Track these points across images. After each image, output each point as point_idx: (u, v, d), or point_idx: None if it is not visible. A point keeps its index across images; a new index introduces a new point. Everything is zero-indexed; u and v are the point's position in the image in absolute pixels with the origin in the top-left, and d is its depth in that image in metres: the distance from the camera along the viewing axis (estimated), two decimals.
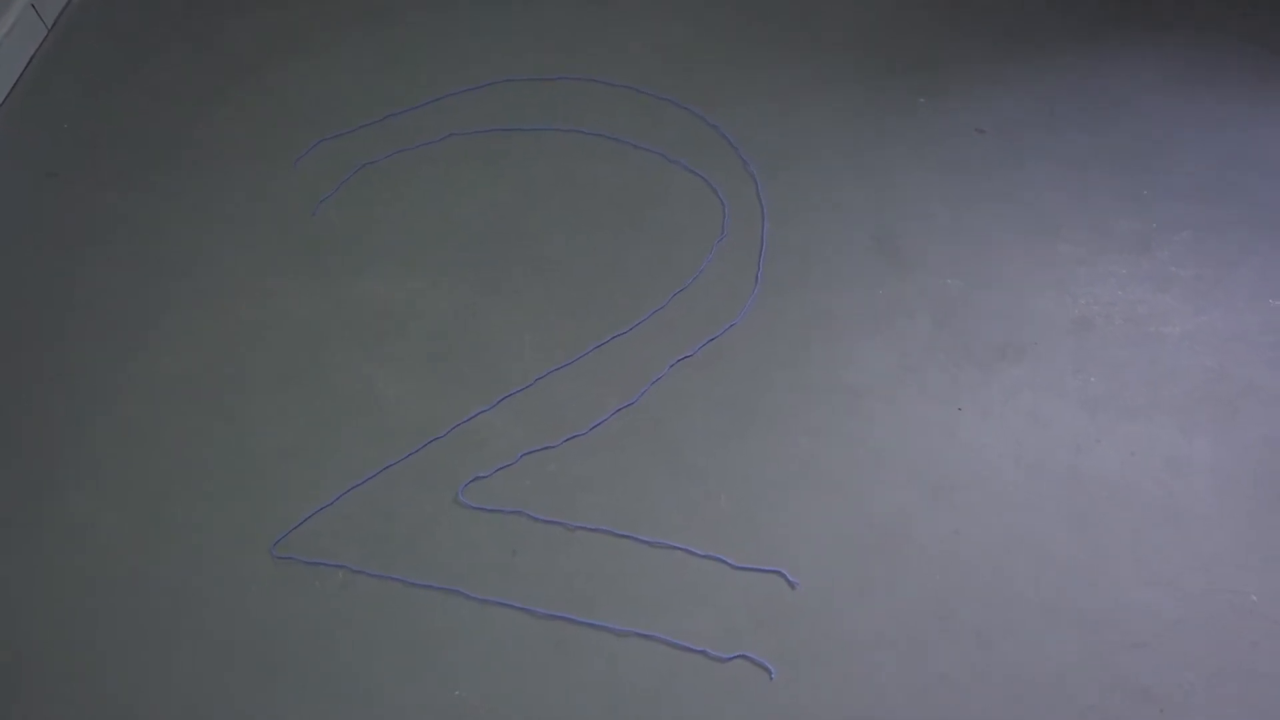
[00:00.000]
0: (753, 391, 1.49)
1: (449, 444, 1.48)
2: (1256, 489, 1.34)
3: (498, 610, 1.33)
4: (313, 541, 1.41)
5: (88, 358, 1.61)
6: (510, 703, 1.26)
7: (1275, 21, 1.87)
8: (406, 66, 1.97)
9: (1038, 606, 1.28)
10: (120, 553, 1.42)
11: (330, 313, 1.63)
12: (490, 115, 1.86)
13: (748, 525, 1.37)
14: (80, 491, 1.48)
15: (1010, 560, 1.32)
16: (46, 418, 1.56)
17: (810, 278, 1.60)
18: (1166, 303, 1.53)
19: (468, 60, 1.96)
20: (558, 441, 1.46)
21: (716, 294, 1.59)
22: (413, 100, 1.90)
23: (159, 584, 1.39)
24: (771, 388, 1.49)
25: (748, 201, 1.69)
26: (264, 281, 1.68)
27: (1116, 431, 1.40)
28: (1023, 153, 1.73)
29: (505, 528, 1.40)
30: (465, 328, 1.60)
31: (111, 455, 1.51)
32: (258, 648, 1.33)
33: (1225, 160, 1.69)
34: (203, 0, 2.16)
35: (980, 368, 1.48)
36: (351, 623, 1.34)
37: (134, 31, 2.11)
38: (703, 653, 1.27)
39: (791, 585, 1.31)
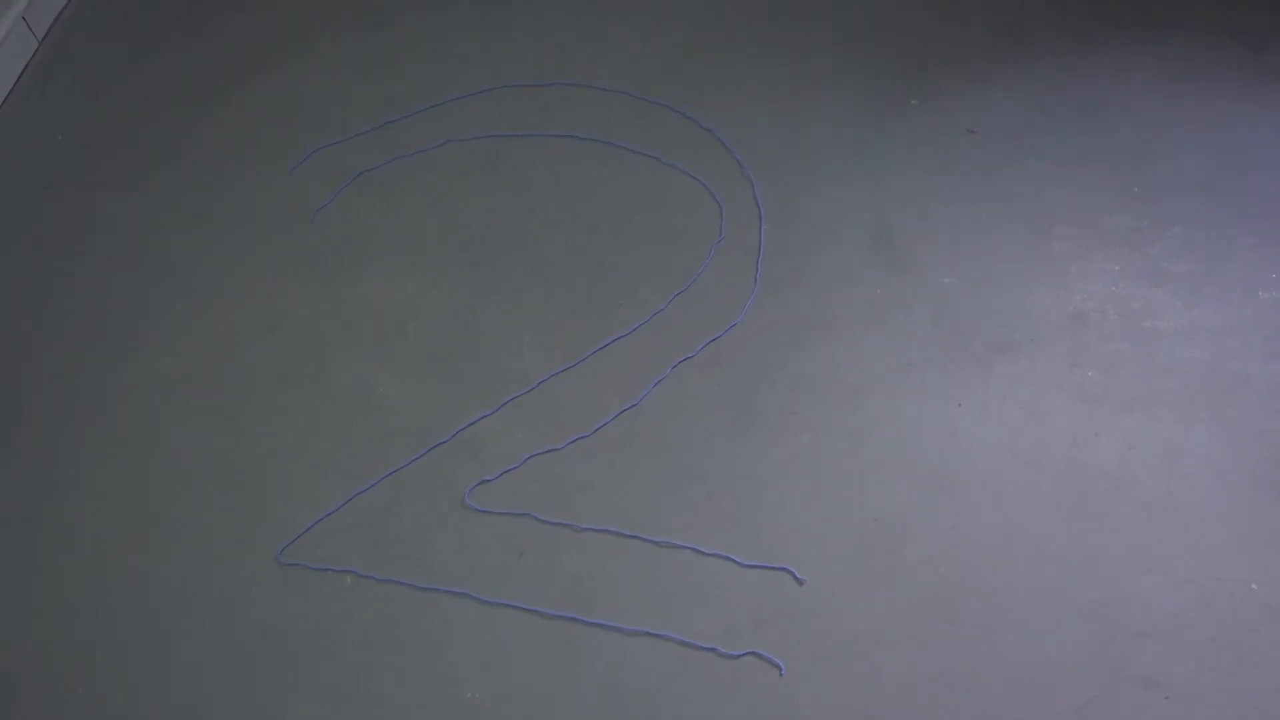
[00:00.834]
0: (754, 391, 1.50)
1: (452, 447, 1.48)
2: (1254, 479, 1.36)
3: (506, 612, 1.34)
4: (318, 546, 1.41)
5: (87, 361, 1.62)
6: (520, 703, 1.27)
7: (1260, 21, 1.89)
8: (403, 71, 1.98)
9: (1040, 598, 1.29)
10: (122, 556, 1.42)
11: (330, 316, 1.64)
12: (487, 121, 1.87)
13: (752, 523, 1.38)
14: (81, 494, 1.48)
15: (1011, 553, 1.33)
16: (47, 420, 1.56)
17: (808, 277, 1.61)
18: (1160, 298, 1.55)
19: (463, 65, 1.97)
20: (562, 444, 1.47)
21: (716, 295, 1.61)
22: (409, 106, 1.90)
23: (162, 588, 1.39)
24: (772, 387, 1.50)
25: (745, 203, 1.71)
26: (263, 285, 1.69)
27: (1114, 425, 1.42)
28: (1015, 152, 1.74)
29: (511, 530, 1.40)
30: (466, 331, 1.60)
31: (112, 458, 1.52)
32: (264, 652, 1.33)
33: (1215, 157, 1.71)
34: (195, 6, 2.16)
35: (978, 364, 1.50)
36: (360, 627, 1.34)
37: (126, 39, 2.11)
38: (712, 650, 1.28)
39: (799, 582, 1.33)
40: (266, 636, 1.34)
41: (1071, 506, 1.36)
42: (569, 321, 1.60)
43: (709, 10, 2.02)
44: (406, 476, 1.46)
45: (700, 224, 1.69)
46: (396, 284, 1.67)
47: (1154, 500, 1.36)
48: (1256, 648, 1.24)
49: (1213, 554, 1.31)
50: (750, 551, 1.36)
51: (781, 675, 1.26)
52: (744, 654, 1.28)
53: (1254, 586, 1.28)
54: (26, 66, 2.03)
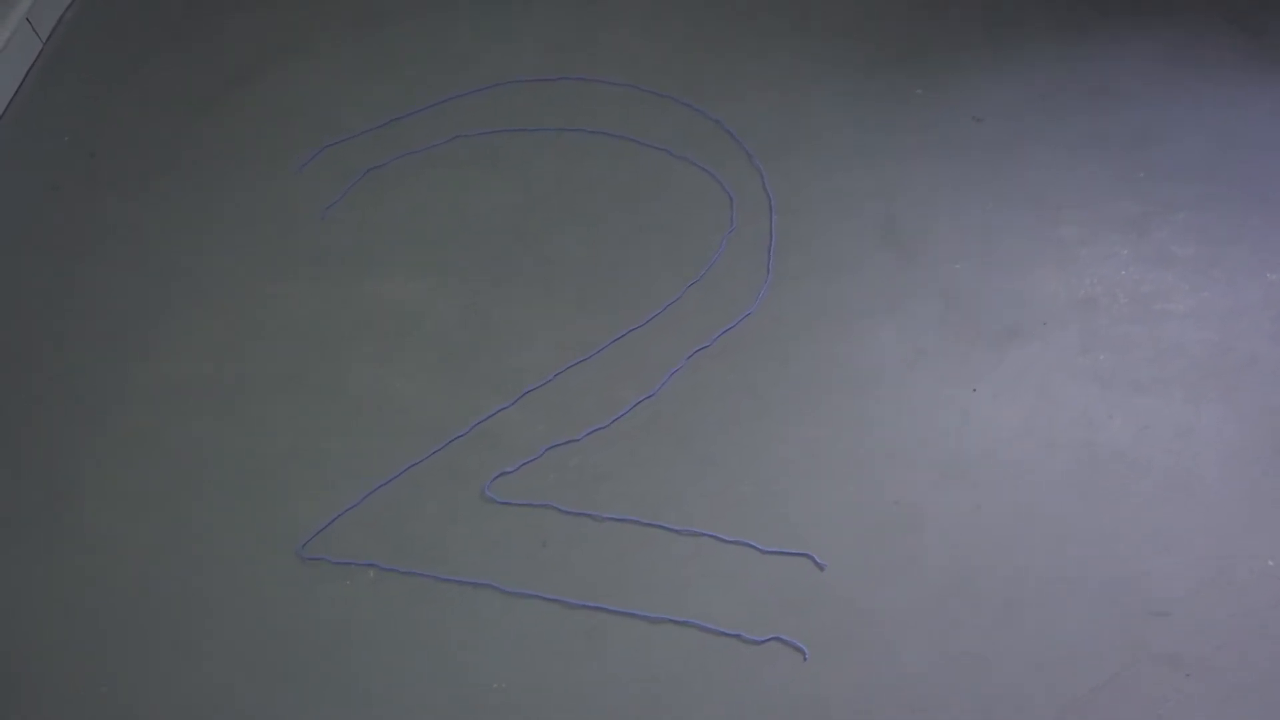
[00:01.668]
0: (770, 379, 1.51)
1: (470, 441, 1.49)
2: (1267, 457, 1.38)
3: (530, 602, 1.34)
4: (340, 542, 1.41)
5: (97, 364, 1.62)
6: (546, 692, 1.28)
7: (1257, 3, 1.91)
8: (405, 70, 1.98)
9: (1059, 578, 1.31)
10: (140, 559, 1.42)
11: (342, 313, 1.64)
12: (494, 117, 1.88)
13: (771, 510, 1.39)
14: (96, 498, 1.48)
15: (1029, 534, 1.35)
16: (58, 425, 1.56)
17: (820, 266, 1.63)
18: (1168, 281, 1.57)
19: (465, 63, 1.97)
20: (580, 435, 1.47)
21: (728, 285, 1.62)
22: (414, 104, 1.91)
23: (183, 588, 1.39)
24: (788, 375, 1.52)
25: (754, 193, 1.72)
26: (273, 284, 1.69)
27: (1127, 406, 1.44)
28: (1019, 139, 1.76)
29: (533, 521, 1.41)
30: (479, 325, 1.61)
31: (126, 461, 1.51)
32: (289, 648, 1.34)
33: (1216, 141, 1.73)
34: (196, 7, 2.16)
35: (992, 349, 1.51)
36: (384, 620, 1.35)
37: (129, 40, 2.10)
38: (736, 636, 1.29)
39: (820, 567, 1.34)
40: (290, 632, 1.35)
41: (1088, 487, 1.37)
42: (583, 314, 1.60)
43: (710, 5, 2.02)
44: (425, 471, 1.47)
45: (710, 215, 1.70)
46: (408, 280, 1.67)
47: (1169, 480, 1.37)
48: (1275, 623, 1.25)
49: (1229, 532, 1.32)
50: (770, 538, 1.37)
51: (805, 660, 1.27)
52: (767, 639, 1.29)
53: (1270, 563, 1.30)
54: (31, 68, 2.03)
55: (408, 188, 1.80)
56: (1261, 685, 1.21)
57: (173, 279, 1.71)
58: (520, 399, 1.52)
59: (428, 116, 1.89)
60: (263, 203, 1.80)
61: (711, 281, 1.62)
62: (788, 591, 1.32)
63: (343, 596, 1.37)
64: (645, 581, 1.35)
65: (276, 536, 1.42)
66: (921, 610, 1.30)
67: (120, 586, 1.40)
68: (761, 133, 1.80)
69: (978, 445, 1.42)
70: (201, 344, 1.63)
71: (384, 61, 2.01)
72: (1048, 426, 1.43)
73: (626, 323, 1.58)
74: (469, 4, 2.08)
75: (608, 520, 1.40)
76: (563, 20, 2.03)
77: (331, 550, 1.41)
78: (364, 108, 1.91)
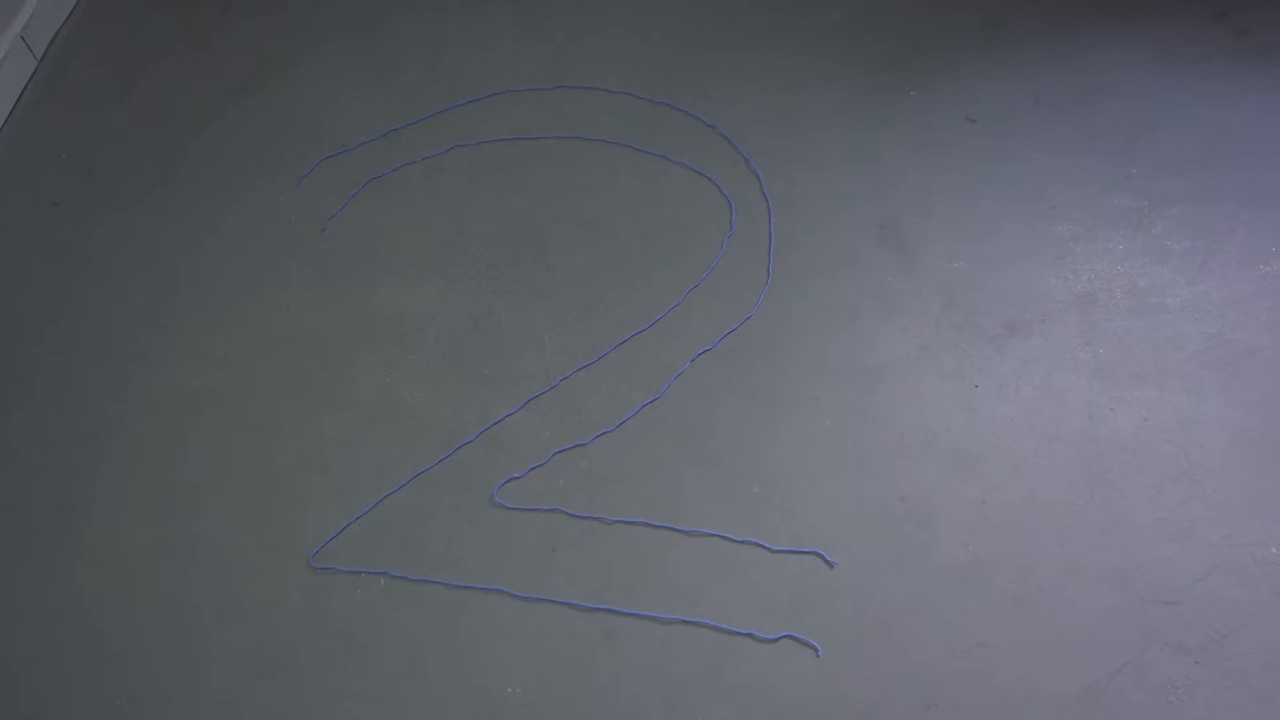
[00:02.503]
0: (774, 379, 1.52)
1: (478, 447, 1.50)
2: (1267, 446, 1.40)
3: (542, 606, 1.35)
4: (351, 550, 1.42)
5: (105, 379, 1.62)
6: (561, 695, 1.28)
7: (1235, 4, 1.93)
8: (400, 80, 1.99)
9: (1068, 568, 1.32)
10: (152, 572, 1.43)
11: (348, 323, 1.65)
12: (491, 126, 1.89)
13: (780, 509, 1.40)
14: (108, 512, 1.49)
15: (1037, 525, 1.36)
16: (70, 440, 1.56)
17: (820, 267, 1.64)
18: (1164, 274, 1.59)
19: (460, 71, 1.98)
20: (588, 439, 1.48)
21: (729, 288, 1.63)
22: (412, 114, 1.92)
23: (197, 599, 1.40)
24: (792, 374, 1.53)
25: (753, 197, 1.73)
26: (278, 295, 1.69)
27: (1128, 398, 1.46)
28: (1013, 138, 1.78)
29: (543, 525, 1.42)
30: (484, 332, 1.62)
31: (137, 475, 1.52)
32: (303, 656, 1.34)
33: (1206, 137, 1.75)
34: (189, 22, 2.16)
35: (992, 345, 1.53)
36: (397, 627, 1.35)
37: (124, 57, 2.10)
38: (749, 635, 1.30)
39: (830, 564, 1.35)
40: (303, 641, 1.35)
41: (1093, 479, 1.39)
42: (586, 319, 1.61)
43: (703, 8, 2.04)
44: (434, 477, 1.47)
45: (709, 218, 1.72)
46: (412, 289, 1.68)
47: (1172, 470, 1.39)
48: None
49: (1232, 520, 1.34)
50: (780, 537, 1.38)
51: (819, 656, 1.28)
52: (780, 637, 1.30)
53: (1274, 550, 1.31)
54: (27, 85, 2.03)
55: (408, 197, 1.80)
56: (1269, 671, 1.23)
57: (177, 292, 1.72)
58: (527, 404, 1.52)
59: (425, 126, 1.90)
60: (264, 215, 1.81)
61: (713, 284, 1.63)
62: (799, 589, 1.33)
63: (354, 605, 1.37)
64: (656, 583, 1.36)
65: (287, 546, 1.42)
66: (932, 604, 1.31)
67: (133, 597, 1.40)
68: (758, 136, 1.81)
69: (982, 439, 1.44)
70: (208, 355, 1.63)
71: (380, 72, 2.01)
72: (1050, 420, 1.45)
73: (630, 326, 1.59)
74: (463, 13, 2.09)
75: (617, 523, 1.41)
76: (556, 28, 2.04)
77: (342, 559, 1.41)
78: (361, 119, 1.92)
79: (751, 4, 2.04)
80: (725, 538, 1.38)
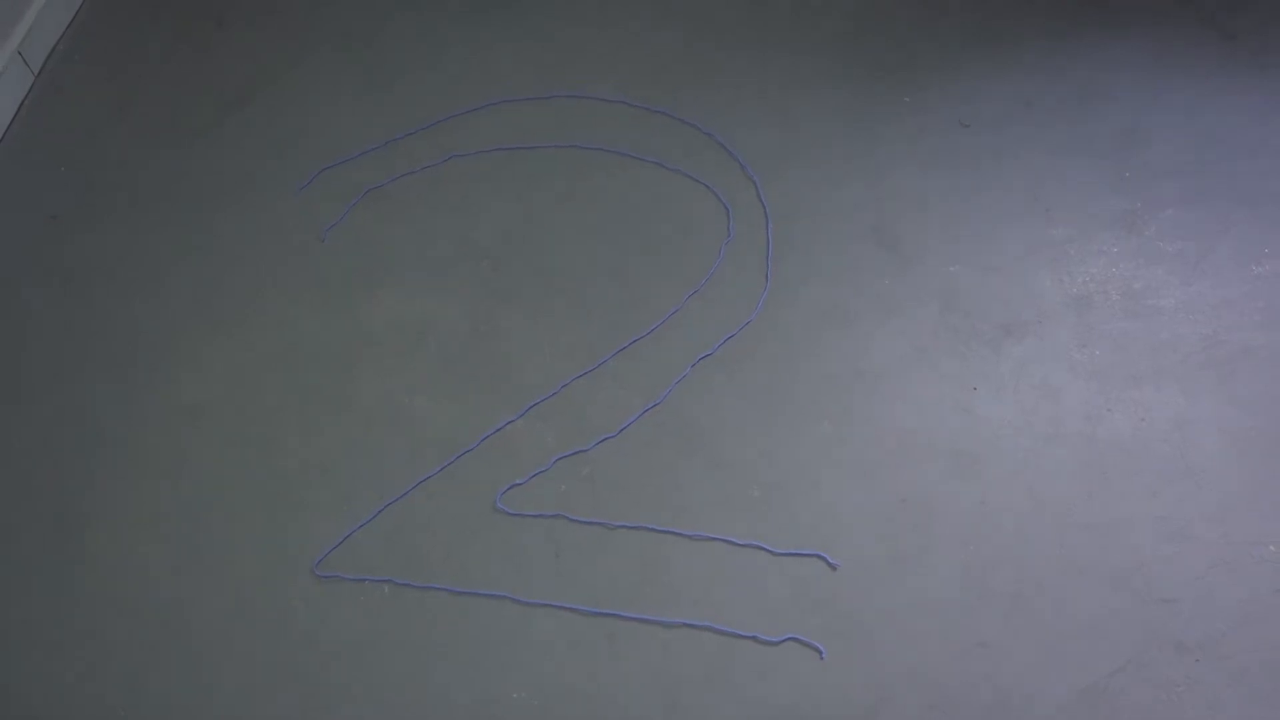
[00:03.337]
0: (774, 384, 1.53)
1: (481, 454, 1.50)
2: (1263, 445, 1.41)
3: (546, 611, 1.36)
4: (354, 558, 1.42)
5: (107, 393, 1.63)
6: (566, 700, 1.29)
7: (1225, 10, 1.95)
8: (396, 91, 2.00)
9: (1068, 568, 1.33)
10: (156, 583, 1.43)
11: (348, 332, 1.66)
12: (489, 136, 1.90)
13: (782, 512, 1.41)
14: (111, 524, 1.49)
15: (1036, 526, 1.37)
16: (73, 454, 1.56)
17: (817, 272, 1.65)
18: (1158, 276, 1.60)
19: (456, 81, 1.99)
20: (590, 444, 1.49)
21: (728, 294, 1.64)
22: (410, 124, 1.93)
23: (202, 609, 1.40)
24: (791, 379, 1.54)
25: (750, 203, 1.74)
26: (277, 306, 1.70)
27: (1125, 398, 1.47)
28: (1007, 143, 1.79)
29: (546, 531, 1.42)
30: (485, 340, 1.63)
31: (139, 486, 1.52)
32: (308, 666, 1.34)
33: (1197, 140, 1.76)
34: (185, 35, 2.17)
35: (989, 347, 1.54)
36: (402, 635, 1.35)
37: (121, 70, 2.11)
38: (753, 638, 1.31)
39: (832, 567, 1.35)
40: (309, 649, 1.35)
41: (1091, 479, 1.40)
42: (586, 326, 1.62)
43: (699, 16, 2.06)
44: (437, 484, 1.48)
45: (707, 225, 1.73)
46: (412, 298, 1.69)
47: (1169, 469, 1.40)
48: (1278, 608, 1.28)
49: (1230, 518, 1.35)
50: (782, 540, 1.39)
51: (822, 658, 1.29)
52: (784, 639, 1.31)
53: (1272, 548, 1.32)
54: (24, 100, 2.04)
55: (407, 207, 1.81)
56: (1268, 669, 1.24)
57: (178, 304, 1.72)
58: (528, 411, 1.53)
59: (423, 137, 1.91)
60: (263, 226, 1.81)
61: (712, 290, 1.65)
62: (802, 592, 1.34)
63: (358, 612, 1.38)
64: (659, 587, 1.36)
65: (291, 555, 1.43)
66: (934, 604, 1.32)
67: (137, 609, 1.41)
68: (754, 144, 1.83)
69: (981, 441, 1.45)
70: (209, 367, 1.64)
71: (377, 82, 2.02)
72: (1048, 421, 1.46)
73: (630, 333, 1.60)
74: (459, 23, 2.10)
75: (620, 528, 1.42)
76: (551, 36, 2.06)
77: (346, 567, 1.42)
78: (358, 130, 1.93)
79: (746, 12, 2.05)
80: (727, 541, 1.39)
